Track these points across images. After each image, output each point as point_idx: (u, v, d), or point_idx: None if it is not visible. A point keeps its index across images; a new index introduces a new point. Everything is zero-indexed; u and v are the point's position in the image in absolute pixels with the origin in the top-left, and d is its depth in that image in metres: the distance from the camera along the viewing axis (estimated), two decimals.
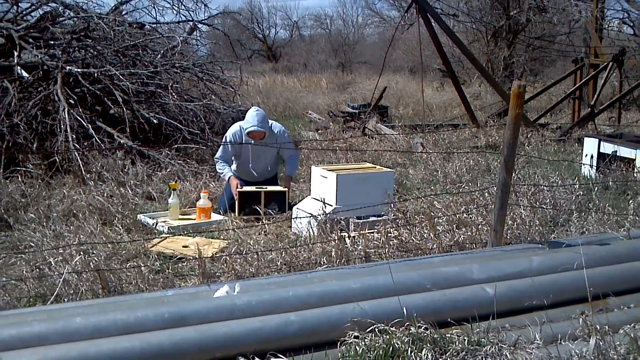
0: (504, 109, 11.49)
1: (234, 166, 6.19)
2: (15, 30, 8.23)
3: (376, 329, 2.81)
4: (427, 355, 2.66)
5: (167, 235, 5.15)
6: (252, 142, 6.00)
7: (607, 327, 2.84)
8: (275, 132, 6.16)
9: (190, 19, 10.95)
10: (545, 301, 3.19)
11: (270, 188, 5.85)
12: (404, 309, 2.93)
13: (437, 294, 3.20)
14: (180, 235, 5.17)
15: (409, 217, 5.01)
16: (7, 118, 7.27)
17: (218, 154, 6.20)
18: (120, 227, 5.11)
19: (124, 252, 4.54)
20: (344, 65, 31.63)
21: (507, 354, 2.65)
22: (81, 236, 4.69)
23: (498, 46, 19.04)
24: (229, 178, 6.00)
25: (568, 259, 3.58)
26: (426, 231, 4.56)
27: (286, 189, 5.92)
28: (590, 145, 7.51)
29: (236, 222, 5.53)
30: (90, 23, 8.52)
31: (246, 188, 5.79)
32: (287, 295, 3.09)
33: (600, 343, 2.62)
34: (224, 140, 6.22)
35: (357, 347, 2.73)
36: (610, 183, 6.29)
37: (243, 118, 6.17)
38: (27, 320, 2.81)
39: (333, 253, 4.14)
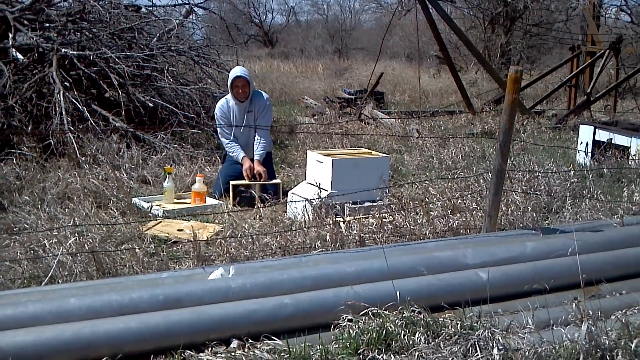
0: (500, 96, 11.48)
1: None
2: (10, 12, 8.16)
3: (370, 313, 2.83)
4: (420, 338, 2.68)
5: (162, 218, 5.15)
6: (236, 107, 6.02)
7: (599, 312, 2.85)
8: (258, 98, 6.12)
9: (187, 2, 10.88)
10: (538, 287, 3.22)
11: (263, 182, 5.80)
12: (398, 293, 2.95)
13: (431, 278, 3.23)
14: (175, 218, 5.18)
15: (404, 202, 5.02)
16: (2, 100, 7.23)
17: (220, 135, 6.21)
18: (115, 211, 5.10)
19: (118, 234, 4.54)
20: (340, 51, 31.53)
21: (500, 338, 2.67)
22: (76, 219, 4.69)
23: (495, 33, 19.00)
24: (242, 159, 5.95)
25: (561, 245, 3.60)
26: (420, 216, 4.57)
27: (279, 182, 5.89)
28: (585, 133, 7.52)
29: (231, 206, 5.54)
30: (85, 5, 8.43)
31: (239, 182, 5.76)
32: (282, 278, 3.11)
33: (592, 328, 2.63)
34: (215, 116, 6.23)
35: (350, 330, 2.75)
36: (604, 170, 6.31)
37: None
38: (22, 300, 2.82)
39: (328, 237, 4.16)
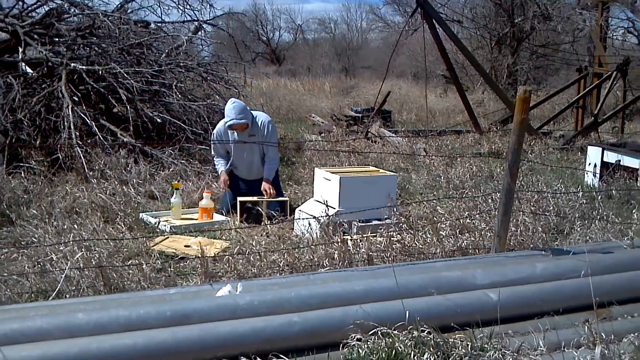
0: (507, 116, 11.49)
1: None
2: (21, 26, 8.23)
3: (379, 332, 2.80)
4: (430, 359, 2.64)
5: (169, 234, 5.14)
6: (237, 135, 5.98)
7: (612, 335, 2.82)
8: (259, 122, 6.01)
9: (195, 18, 10.95)
10: (548, 308, 3.18)
11: (270, 198, 5.79)
12: (407, 312, 2.92)
13: (440, 298, 3.19)
14: (182, 234, 5.16)
15: (412, 221, 5.00)
16: (11, 114, 7.28)
17: (212, 152, 6.30)
18: (123, 225, 5.09)
19: (125, 250, 4.53)
20: (347, 70, 31.67)
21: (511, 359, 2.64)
22: (83, 233, 4.68)
23: (502, 53, 19.05)
24: (221, 172, 6.05)
25: (572, 266, 3.57)
26: (429, 236, 4.55)
27: (287, 199, 5.89)
28: (593, 154, 7.50)
29: (238, 223, 5.53)
30: (95, 20, 8.50)
31: (246, 198, 5.75)
32: (290, 296, 3.08)
33: (605, 351, 2.60)
34: (212, 138, 6.27)
35: (359, 349, 2.72)
36: (613, 192, 6.28)
37: None
38: (29, 315, 2.80)
39: (336, 255, 4.13)
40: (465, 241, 4.47)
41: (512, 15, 18.64)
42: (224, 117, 6.45)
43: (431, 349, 2.69)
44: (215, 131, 6.19)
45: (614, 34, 18.32)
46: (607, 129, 12.66)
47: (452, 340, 2.78)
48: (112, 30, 8.56)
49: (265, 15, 39.16)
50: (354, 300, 3.08)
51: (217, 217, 5.73)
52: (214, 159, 6.23)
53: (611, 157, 7.28)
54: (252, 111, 6.12)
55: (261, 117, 6.12)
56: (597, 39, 14.26)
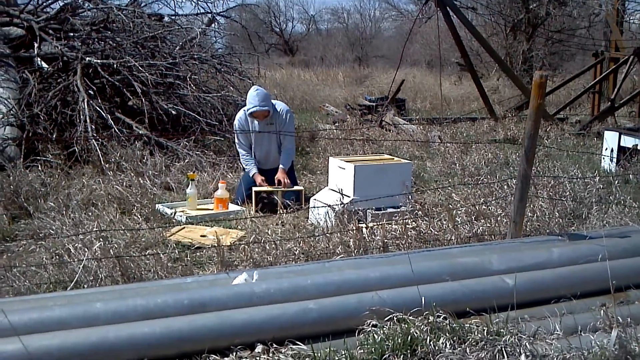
0: (523, 102, 11.41)
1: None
2: (36, 22, 8.30)
3: (395, 318, 2.80)
4: (446, 344, 2.65)
5: (185, 224, 5.17)
6: (257, 123, 6.00)
7: (629, 319, 2.80)
8: (279, 110, 6.07)
9: (209, 11, 10.97)
10: (565, 293, 3.17)
11: (285, 188, 5.81)
12: (423, 298, 2.92)
13: (456, 284, 3.19)
14: (198, 224, 5.19)
15: (427, 208, 4.99)
16: (28, 108, 7.34)
17: (237, 145, 6.24)
18: (139, 217, 5.13)
19: (142, 240, 4.55)
20: (360, 59, 31.54)
21: (527, 344, 2.63)
22: (100, 224, 4.72)
23: (517, 40, 18.90)
24: (253, 175, 5.99)
25: (588, 250, 3.55)
26: (444, 222, 4.54)
27: (302, 188, 5.90)
28: (610, 139, 7.44)
29: (253, 213, 5.55)
30: (109, 15, 8.55)
31: (261, 188, 5.78)
32: (306, 283, 3.09)
33: (622, 335, 2.59)
34: (234, 128, 6.24)
35: (375, 335, 2.72)
36: (630, 176, 6.22)
37: None
38: (48, 305, 2.84)
39: (351, 243, 4.14)
40: (481, 227, 4.46)
41: (527, 1, 18.47)
42: (238, 108, 6.47)
43: (447, 334, 2.70)
44: (236, 120, 6.18)
45: (631, 18, 18.12)
46: (624, 114, 12.53)
47: (468, 325, 2.78)
48: (126, 24, 8.61)
49: (278, 7, 39.07)
50: (370, 287, 3.09)
51: (233, 207, 5.75)
52: (241, 155, 6.16)
53: (628, 141, 7.21)
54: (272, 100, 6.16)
55: (280, 105, 6.16)
56: (614, 23, 14.10)
